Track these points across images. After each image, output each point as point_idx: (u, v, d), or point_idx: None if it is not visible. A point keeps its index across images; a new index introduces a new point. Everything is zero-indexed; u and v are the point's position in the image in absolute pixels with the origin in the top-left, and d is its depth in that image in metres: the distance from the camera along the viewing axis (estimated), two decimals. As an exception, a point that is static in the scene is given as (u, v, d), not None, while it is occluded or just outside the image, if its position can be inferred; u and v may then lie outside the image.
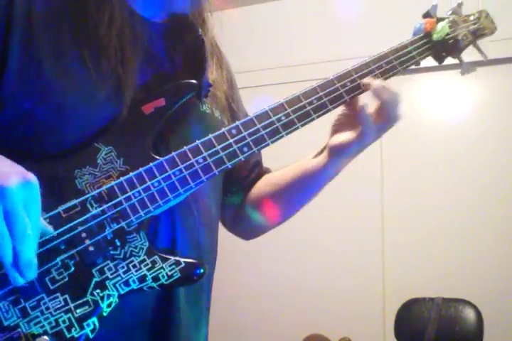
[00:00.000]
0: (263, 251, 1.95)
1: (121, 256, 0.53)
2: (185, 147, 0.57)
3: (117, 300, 0.53)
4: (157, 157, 0.56)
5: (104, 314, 0.52)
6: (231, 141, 0.59)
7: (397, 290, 1.85)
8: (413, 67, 0.74)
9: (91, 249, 0.52)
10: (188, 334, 0.61)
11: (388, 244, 1.95)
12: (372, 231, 1.96)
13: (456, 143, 1.90)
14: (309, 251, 2.01)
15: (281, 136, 0.61)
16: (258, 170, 0.80)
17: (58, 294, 0.51)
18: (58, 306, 0.51)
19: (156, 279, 0.54)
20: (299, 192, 0.74)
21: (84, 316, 0.51)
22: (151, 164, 0.55)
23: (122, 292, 0.53)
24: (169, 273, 0.54)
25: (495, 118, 1.87)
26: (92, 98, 0.55)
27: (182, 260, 0.55)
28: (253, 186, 0.78)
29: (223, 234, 0.83)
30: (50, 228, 0.50)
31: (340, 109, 0.69)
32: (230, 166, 0.58)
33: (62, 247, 0.51)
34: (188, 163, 0.56)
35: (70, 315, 0.51)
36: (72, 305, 0.51)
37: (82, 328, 0.51)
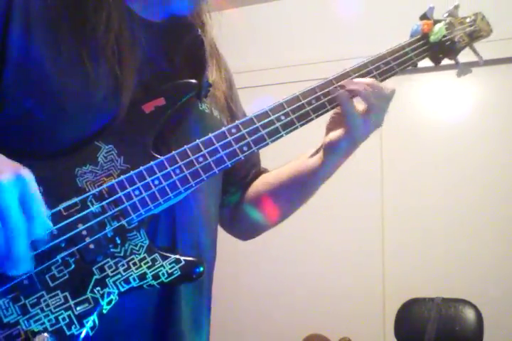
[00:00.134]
0: (263, 251, 1.95)
1: (122, 254, 0.54)
2: (185, 146, 0.57)
3: (117, 298, 0.53)
4: (158, 156, 0.57)
5: (104, 311, 0.52)
6: (231, 140, 0.59)
7: (397, 290, 1.85)
8: (413, 67, 0.74)
9: (91, 246, 0.52)
10: (188, 333, 0.61)
11: (388, 243, 1.95)
12: (372, 231, 1.96)
13: (456, 143, 1.90)
14: (309, 251, 2.01)
15: (281, 136, 0.62)
16: (256, 171, 0.80)
17: (58, 291, 0.51)
18: (58, 303, 0.51)
19: (156, 277, 0.54)
20: (295, 190, 0.74)
21: (85, 313, 0.51)
22: (151, 163, 0.56)
23: (122, 289, 0.53)
24: (169, 271, 0.54)
25: (495, 118, 1.88)
26: (91, 97, 0.55)
27: (182, 258, 0.55)
28: (250, 186, 0.79)
29: (223, 234, 0.83)
30: (51, 224, 0.50)
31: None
32: (230, 165, 0.59)
33: (63, 245, 0.51)
34: (189, 162, 0.57)
35: (70, 312, 0.51)
36: (72, 303, 0.51)
37: (82, 325, 0.51)
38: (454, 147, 1.90)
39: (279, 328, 1.97)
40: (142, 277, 0.54)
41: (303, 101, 0.64)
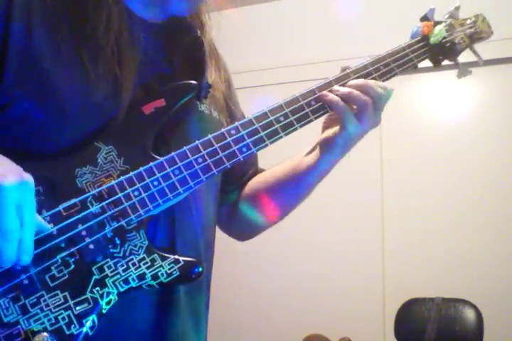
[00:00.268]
0: (262, 251, 1.95)
1: (121, 254, 0.54)
2: (184, 147, 0.58)
3: (116, 298, 0.53)
4: (157, 157, 0.57)
5: (104, 311, 0.52)
6: (230, 141, 0.59)
7: (397, 290, 1.85)
8: (413, 69, 0.74)
9: (91, 247, 0.53)
10: (187, 333, 0.61)
11: (388, 243, 1.95)
12: (372, 231, 1.96)
13: (456, 143, 1.90)
14: (309, 251, 2.01)
15: (280, 137, 0.62)
16: (254, 170, 0.80)
17: (58, 291, 0.51)
18: (58, 303, 0.51)
19: (155, 277, 0.54)
20: (291, 188, 0.74)
21: (84, 313, 0.51)
22: (151, 164, 0.56)
23: (122, 290, 0.53)
24: (168, 272, 0.55)
25: (495, 118, 1.88)
26: (90, 98, 0.55)
27: (181, 258, 0.56)
28: (245, 186, 0.79)
29: (222, 234, 0.83)
30: (48, 226, 0.50)
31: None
32: (229, 166, 0.59)
33: (63, 245, 0.51)
34: (188, 162, 0.57)
35: (69, 312, 0.51)
36: (71, 303, 0.51)
37: (81, 325, 0.51)
38: (454, 147, 1.90)
39: (278, 328, 1.98)
40: (141, 277, 0.54)
41: (302, 103, 0.64)
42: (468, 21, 0.79)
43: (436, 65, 0.77)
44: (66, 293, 0.51)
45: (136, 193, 0.55)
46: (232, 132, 0.60)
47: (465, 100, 1.95)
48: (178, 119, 0.60)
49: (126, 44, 0.58)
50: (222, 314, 1.88)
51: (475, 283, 1.77)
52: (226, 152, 0.59)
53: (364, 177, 1.96)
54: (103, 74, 0.56)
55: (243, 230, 0.82)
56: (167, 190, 0.56)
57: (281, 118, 0.62)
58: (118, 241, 0.54)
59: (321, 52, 2.03)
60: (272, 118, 0.62)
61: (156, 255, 0.55)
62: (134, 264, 0.54)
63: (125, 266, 0.54)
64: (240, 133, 0.60)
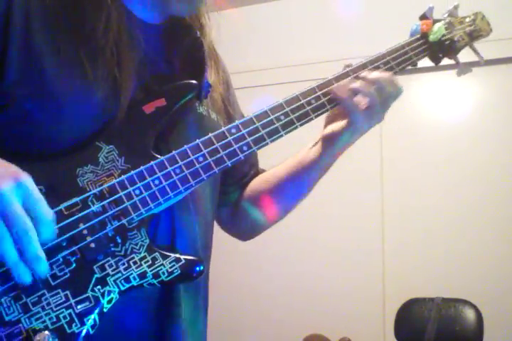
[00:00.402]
0: (262, 250, 1.95)
1: (122, 253, 0.54)
2: (185, 146, 0.58)
3: (118, 297, 0.53)
4: (158, 156, 0.57)
5: (105, 310, 0.52)
6: (231, 140, 0.59)
7: (397, 290, 1.85)
8: (411, 67, 0.74)
9: (92, 245, 0.53)
10: (187, 332, 0.61)
11: (388, 243, 1.95)
12: (373, 231, 1.96)
13: (456, 142, 1.90)
14: (309, 251, 2.01)
15: (281, 136, 0.62)
16: (255, 171, 0.81)
17: (59, 290, 0.51)
18: (59, 302, 0.51)
19: (156, 276, 0.54)
20: (294, 185, 0.74)
21: (85, 312, 0.51)
22: (152, 163, 0.56)
23: (123, 288, 0.53)
24: (169, 270, 0.55)
25: (495, 118, 1.88)
26: (90, 98, 0.56)
27: (182, 257, 0.56)
28: (247, 186, 0.79)
29: (222, 234, 0.83)
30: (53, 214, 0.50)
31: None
32: (230, 165, 0.59)
33: (64, 244, 0.52)
34: (189, 161, 0.57)
35: (70, 310, 0.51)
36: (73, 301, 0.52)
37: (82, 324, 0.51)
38: (454, 147, 1.90)
39: (278, 328, 1.98)
40: (142, 276, 0.54)
41: (302, 101, 0.64)
42: (468, 19, 0.79)
43: (436, 63, 0.77)
44: (67, 292, 0.52)
45: (137, 192, 0.55)
46: (233, 131, 0.60)
47: (465, 100, 1.95)
48: (177, 119, 0.61)
49: (126, 45, 0.58)
50: (222, 314, 1.88)
51: (475, 283, 1.77)
52: (227, 151, 0.59)
53: (364, 176, 1.97)
54: (102, 74, 0.56)
55: (246, 230, 0.82)
56: (168, 189, 0.56)
57: (282, 117, 0.62)
58: (119, 240, 0.54)
59: (321, 52, 2.03)
60: (272, 117, 0.62)
61: (157, 253, 0.55)
62: (135, 263, 0.54)
63: (126, 265, 0.54)
64: (241, 132, 0.60)
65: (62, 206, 0.52)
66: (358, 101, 0.65)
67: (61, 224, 0.51)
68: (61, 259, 0.52)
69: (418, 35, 0.74)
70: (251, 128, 0.61)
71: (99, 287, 0.52)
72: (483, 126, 1.89)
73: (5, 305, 0.49)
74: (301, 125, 0.64)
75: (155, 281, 0.54)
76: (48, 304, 0.51)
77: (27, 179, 0.46)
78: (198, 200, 0.63)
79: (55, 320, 0.51)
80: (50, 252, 0.51)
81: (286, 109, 0.63)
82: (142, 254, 0.55)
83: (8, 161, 0.49)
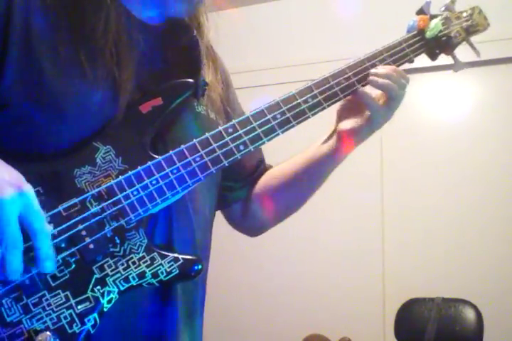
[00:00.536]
0: (262, 250, 1.95)
1: (121, 253, 0.54)
2: (182, 146, 0.58)
3: (117, 296, 0.53)
4: (155, 156, 0.57)
5: (105, 310, 0.53)
6: (227, 139, 0.59)
7: (397, 290, 1.85)
8: (411, 66, 0.74)
9: (91, 246, 0.53)
10: (183, 331, 0.61)
11: (388, 243, 1.95)
12: (373, 231, 1.96)
13: (456, 143, 1.90)
14: (309, 251, 2.01)
15: (277, 134, 0.62)
16: (262, 167, 0.81)
17: (59, 291, 0.52)
18: (60, 302, 0.51)
19: (155, 275, 0.55)
20: (304, 181, 0.75)
21: (86, 312, 0.52)
22: (149, 163, 0.56)
23: (122, 288, 0.54)
24: (168, 270, 0.55)
25: (495, 118, 1.88)
26: (89, 99, 0.56)
27: (180, 257, 0.56)
28: (257, 181, 0.79)
29: (223, 234, 0.83)
30: (50, 226, 0.51)
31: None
32: (226, 164, 0.59)
33: (63, 245, 0.52)
34: (186, 161, 0.57)
35: (71, 311, 0.51)
36: (73, 302, 0.52)
37: (83, 324, 0.51)
38: (454, 147, 1.90)
39: (278, 328, 1.98)
40: (141, 276, 0.54)
41: (299, 100, 0.64)
42: (465, 14, 0.79)
43: (433, 59, 0.77)
44: (67, 293, 0.52)
45: (135, 192, 0.55)
46: (230, 130, 0.60)
47: (465, 100, 1.95)
48: (175, 119, 0.61)
49: (125, 45, 0.59)
50: (222, 313, 1.88)
51: (475, 283, 1.77)
52: (223, 150, 0.59)
53: (364, 176, 1.97)
54: (101, 75, 0.57)
55: (255, 226, 0.82)
56: (165, 189, 0.56)
57: (278, 116, 0.62)
58: (118, 241, 0.54)
59: (321, 52, 2.03)
60: (269, 116, 0.62)
61: (155, 253, 0.55)
62: (134, 263, 0.54)
63: (125, 265, 0.54)
64: (238, 132, 0.60)
65: (60, 207, 0.52)
66: (378, 96, 0.67)
67: (60, 226, 0.52)
68: (60, 260, 0.52)
69: (415, 32, 0.74)
70: (248, 127, 0.61)
71: (98, 287, 0.53)
72: (483, 126, 1.89)
73: (6, 306, 0.50)
74: (297, 123, 0.64)
75: (154, 281, 0.55)
76: (49, 305, 0.51)
77: (29, 189, 0.47)
78: (196, 200, 0.63)
79: (55, 320, 0.51)
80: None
81: (283, 108, 0.63)
82: (141, 254, 0.55)
83: (6, 161, 0.49)
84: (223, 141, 0.59)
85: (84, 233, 0.53)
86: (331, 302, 1.95)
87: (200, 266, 0.56)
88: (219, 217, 0.79)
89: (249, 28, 2.17)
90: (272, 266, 2.04)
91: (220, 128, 0.60)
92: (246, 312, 2.04)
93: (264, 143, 0.62)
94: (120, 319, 0.56)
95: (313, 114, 0.65)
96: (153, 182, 0.56)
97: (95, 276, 0.53)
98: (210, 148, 0.59)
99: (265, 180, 0.79)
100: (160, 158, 0.57)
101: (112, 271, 0.53)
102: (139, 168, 0.56)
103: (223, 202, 0.76)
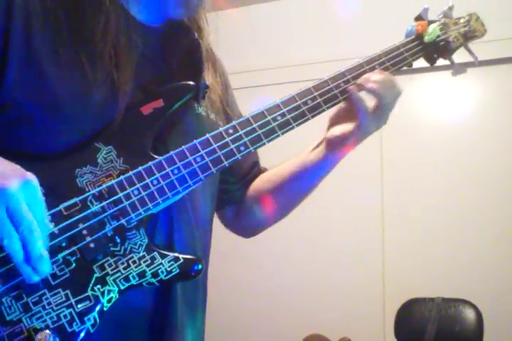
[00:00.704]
0: (262, 250, 1.96)
1: (121, 253, 0.54)
2: (183, 146, 0.58)
3: (117, 296, 0.54)
4: (156, 156, 0.58)
5: (105, 309, 0.53)
6: (228, 140, 0.60)
7: (397, 290, 1.85)
8: (408, 68, 0.74)
9: (91, 245, 0.53)
10: (184, 328, 0.61)
11: (388, 243, 1.95)
12: (373, 231, 1.96)
13: (456, 143, 1.90)
14: (309, 251, 2.01)
15: (277, 136, 0.63)
16: (257, 168, 0.81)
17: (60, 289, 0.52)
18: (60, 301, 0.52)
19: (155, 275, 0.55)
20: (296, 185, 0.75)
21: (85, 311, 0.52)
22: (150, 163, 0.57)
23: (122, 287, 0.54)
24: (168, 269, 0.55)
25: (495, 118, 1.88)
26: (89, 100, 0.56)
27: (181, 256, 0.56)
28: (251, 184, 0.80)
29: (223, 234, 0.84)
30: (51, 225, 0.51)
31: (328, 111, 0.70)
32: (227, 165, 0.60)
33: (64, 244, 0.52)
34: (187, 162, 0.58)
35: (71, 309, 0.52)
36: (73, 300, 0.52)
37: (83, 323, 0.52)
38: (454, 147, 1.90)
39: (278, 328, 1.98)
40: (142, 275, 0.55)
41: (299, 102, 0.64)
42: (462, 20, 0.80)
43: (432, 64, 0.78)
44: (68, 291, 0.52)
45: (135, 192, 0.55)
46: (230, 131, 0.60)
47: (465, 100, 1.95)
48: (175, 120, 0.61)
49: (124, 47, 0.59)
50: (221, 313, 1.88)
51: (475, 283, 1.77)
52: (224, 151, 0.59)
53: (364, 176, 1.97)
54: (101, 76, 0.57)
55: (248, 228, 0.83)
56: (166, 189, 0.56)
57: (279, 118, 0.63)
58: (118, 240, 0.55)
59: (321, 52, 2.03)
60: (269, 117, 0.62)
61: (155, 253, 0.56)
62: (134, 262, 0.55)
63: (125, 264, 0.54)
64: (238, 133, 0.61)
65: (61, 206, 0.53)
66: (368, 103, 0.66)
67: (61, 225, 0.52)
68: (61, 259, 0.52)
69: (413, 36, 0.75)
70: (248, 128, 0.61)
71: (98, 286, 0.53)
72: (483, 126, 1.89)
73: (6, 304, 0.50)
74: (297, 125, 0.64)
75: (154, 280, 0.55)
76: (49, 303, 0.51)
77: (33, 178, 0.47)
78: (196, 200, 0.64)
79: (55, 319, 0.51)
80: (51, 252, 0.51)
81: (283, 110, 0.63)
82: (141, 254, 0.55)
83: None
84: (224, 142, 0.60)
85: (84, 232, 0.53)
86: (331, 302, 1.95)
87: (200, 266, 0.56)
88: (219, 216, 0.79)
89: (249, 28, 2.17)
90: (271, 265, 2.04)
91: (221, 129, 0.60)
92: (246, 312, 2.04)
93: (264, 144, 0.62)
94: (119, 318, 0.56)
95: (312, 116, 0.65)
96: (154, 182, 0.56)
97: (95, 275, 0.53)
98: (211, 148, 0.59)
99: (259, 183, 0.79)
100: (161, 158, 0.57)
101: (112, 270, 0.54)
102: (140, 167, 0.56)
103: (218, 204, 0.77)
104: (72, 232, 0.52)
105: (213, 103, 0.70)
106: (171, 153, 0.58)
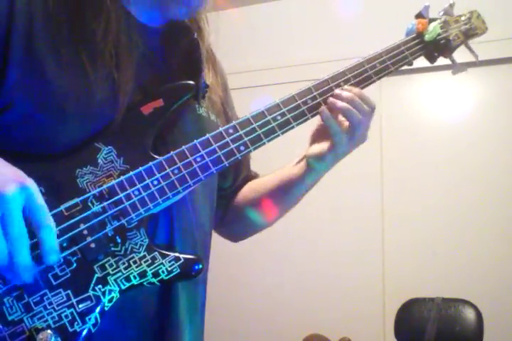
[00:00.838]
0: (262, 250, 1.96)
1: (122, 253, 0.55)
2: (183, 146, 0.58)
3: (118, 295, 0.54)
4: (156, 156, 0.58)
5: (106, 309, 0.53)
6: (228, 140, 0.60)
7: (397, 290, 1.85)
8: (411, 67, 0.75)
9: (92, 245, 0.53)
10: (184, 327, 0.62)
11: (388, 243, 1.95)
12: (373, 231, 1.97)
13: (456, 143, 1.91)
14: (309, 251, 2.01)
15: (277, 135, 0.63)
16: (246, 175, 0.82)
17: (61, 290, 0.52)
18: (61, 301, 0.52)
19: (156, 275, 0.55)
20: (280, 199, 0.76)
21: (87, 311, 0.52)
22: (150, 163, 0.57)
23: (123, 287, 0.54)
24: (169, 269, 0.55)
25: (495, 118, 1.88)
26: (90, 100, 0.56)
27: (181, 256, 0.56)
28: (239, 191, 0.81)
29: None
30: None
31: (318, 119, 0.69)
32: (227, 165, 0.60)
33: (65, 244, 0.52)
34: (187, 161, 0.58)
35: (72, 309, 0.52)
36: (74, 300, 0.52)
37: (84, 322, 0.52)
38: (455, 147, 1.91)
39: (278, 328, 1.98)
40: (142, 275, 0.55)
41: (299, 102, 0.65)
42: (463, 18, 0.79)
43: (432, 62, 0.78)
44: (69, 291, 0.52)
45: (136, 192, 0.55)
46: (230, 131, 0.60)
47: (465, 100, 1.96)
48: (176, 120, 0.61)
49: (124, 47, 0.59)
50: (222, 313, 1.88)
51: (475, 283, 1.78)
52: (224, 150, 0.60)
53: (364, 176, 1.97)
54: (102, 77, 0.57)
55: (235, 233, 0.84)
56: (166, 189, 0.57)
57: (278, 117, 0.63)
58: (119, 240, 0.55)
59: (321, 52, 2.03)
60: (269, 117, 0.63)
61: (156, 253, 0.56)
62: (135, 262, 0.55)
63: (126, 264, 0.54)
64: (238, 132, 0.61)
65: (62, 207, 0.53)
66: (341, 122, 0.66)
67: (62, 225, 0.52)
68: (62, 259, 0.52)
69: (414, 35, 0.75)
70: (248, 128, 0.61)
71: (100, 286, 0.53)
72: (483, 126, 1.89)
73: (8, 304, 0.50)
74: (297, 125, 0.64)
75: (155, 280, 0.55)
76: (50, 303, 0.51)
77: (31, 184, 0.47)
78: (196, 200, 0.64)
79: (57, 319, 0.51)
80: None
81: (283, 109, 0.63)
82: (142, 254, 0.55)
83: (8, 162, 0.49)
84: (224, 142, 0.60)
85: (85, 232, 0.53)
86: (331, 302, 1.95)
87: (200, 266, 0.56)
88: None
89: (249, 28, 2.17)
90: (271, 265, 2.04)
91: (221, 129, 0.60)
92: (246, 312, 2.04)
93: (264, 143, 0.62)
94: (119, 319, 0.56)
95: (312, 116, 0.65)
96: (155, 182, 0.56)
97: (96, 275, 0.53)
98: (211, 148, 0.59)
99: (246, 192, 0.80)
100: (161, 158, 0.57)
101: (113, 270, 0.54)
102: (140, 168, 0.56)
103: None
104: (73, 233, 0.52)
105: (214, 104, 0.70)
106: (171, 153, 0.58)
